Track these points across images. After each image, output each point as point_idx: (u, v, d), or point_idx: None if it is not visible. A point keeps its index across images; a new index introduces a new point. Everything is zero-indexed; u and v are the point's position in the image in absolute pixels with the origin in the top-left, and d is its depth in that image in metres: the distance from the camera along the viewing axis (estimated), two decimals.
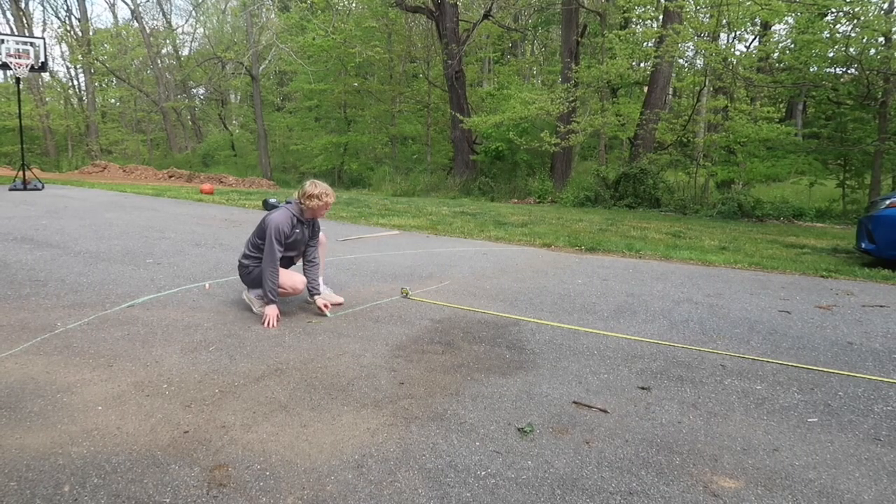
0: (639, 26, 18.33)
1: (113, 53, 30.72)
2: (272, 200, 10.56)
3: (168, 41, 33.23)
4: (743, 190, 14.66)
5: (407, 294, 4.64)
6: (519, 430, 2.49)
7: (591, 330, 3.89)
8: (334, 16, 22.36)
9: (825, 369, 3.28)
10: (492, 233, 8.30)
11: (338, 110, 25.80)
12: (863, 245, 6.81)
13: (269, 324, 3.76)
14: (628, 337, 3.77)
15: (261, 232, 3.95)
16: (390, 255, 6.46)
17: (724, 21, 14.46)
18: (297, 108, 28.51)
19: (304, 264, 4.22)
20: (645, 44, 17.12)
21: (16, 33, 27.55)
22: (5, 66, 12.27)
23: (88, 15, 31.62)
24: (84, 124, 32.36)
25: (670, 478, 2.16)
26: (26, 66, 12.30)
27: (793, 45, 14.70)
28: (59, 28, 34.41)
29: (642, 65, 18.24)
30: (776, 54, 15.91)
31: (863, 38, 12.78)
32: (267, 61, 25.47)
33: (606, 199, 14.31)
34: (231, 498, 1.98)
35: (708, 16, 14.83)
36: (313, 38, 22.00)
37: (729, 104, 14.52)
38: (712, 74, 14.76)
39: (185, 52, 35.19)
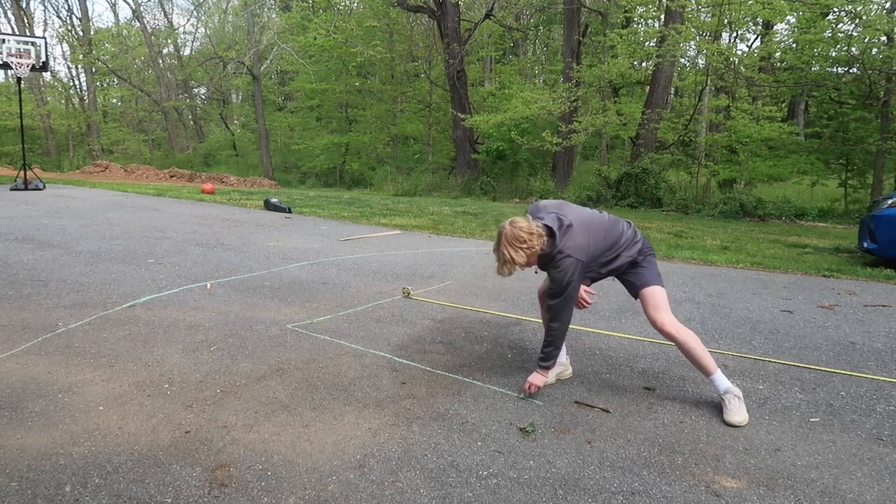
0: (640, 26, 18.30)
1: (114, 53, 30.67)
2: (274, 200, 10.57)
3: (169, 41, 33.23)
4: (745, 189, 14.63)
5: (408, 294, 4.64)
6: (521, 429, 2.49)
7: (593, 330, 3.88)
8: (336, 15, 22.36)
9: (827, 369, 3.27)
10: (493, 232, 8.23)
11: (339, 110, 25.80)
12: (865, 245, 6.80)
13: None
14: (630, 337, 3.77)
15: None
16: (392, 254, 6.46)
17: (726, 20, 14.44)
18: (299, 108, 28.50)
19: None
20: (647, 43, 17.10)
21: (17, 33, 27.50)
22: (6, 66, 12.26)
23: (89, 14, 31.63)
24: (85, 124, 32.35)
25: (672, 478, 2.16)
26: (27, 66, 12.30)
27: (795, 45, 14.68)
28: (60, 27, 34.42)
29: (644, 64, 18.22)
30: (778, 54, 15.88)
31: (865, 37, 12.77)
32: (268, 61, 25.47)
33: (608, 198, 14.28)
34: (232, 498, 1.97)
35: (709, 15, 14.80)
36: (315, 38, 21.98)
37: (731, 104, 14.48)
38: (714, 74, 14.73)
39: (187, 51, 35.25)
